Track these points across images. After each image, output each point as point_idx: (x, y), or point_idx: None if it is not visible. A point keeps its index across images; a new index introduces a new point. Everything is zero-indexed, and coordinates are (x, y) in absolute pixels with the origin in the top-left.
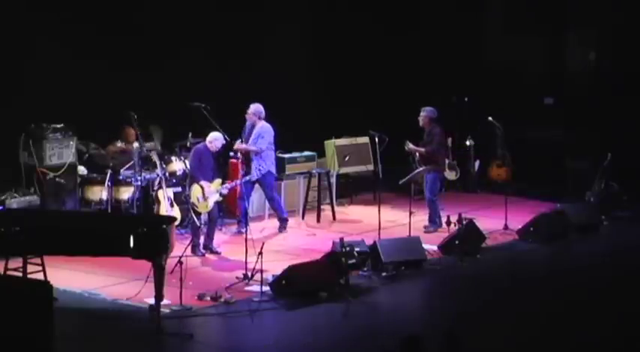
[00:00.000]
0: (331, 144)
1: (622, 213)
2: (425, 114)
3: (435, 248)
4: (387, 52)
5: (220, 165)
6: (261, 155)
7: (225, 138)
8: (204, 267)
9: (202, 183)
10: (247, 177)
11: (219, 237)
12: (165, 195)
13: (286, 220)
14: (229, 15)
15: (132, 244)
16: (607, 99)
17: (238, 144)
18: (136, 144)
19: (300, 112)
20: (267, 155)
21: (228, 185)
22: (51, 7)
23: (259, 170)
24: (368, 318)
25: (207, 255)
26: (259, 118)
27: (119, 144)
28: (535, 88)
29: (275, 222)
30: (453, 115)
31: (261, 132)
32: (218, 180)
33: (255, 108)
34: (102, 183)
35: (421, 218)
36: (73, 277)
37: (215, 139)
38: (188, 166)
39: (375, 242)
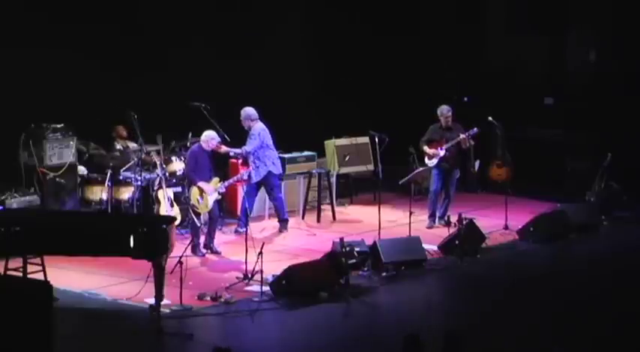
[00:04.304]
0: (331, 144)
1: (622, 213)
2: (451, 112)
3: (435, 248)
4: (388, 51)
5: (217, 163)
6: (258, 156)
7: (224, 138)
8: (204, 267)
9: (200, 183)
10: (245, 173)
11: (220, 237)
12: (165, 195)
13: (286, 221)
14: (229, 14)
15: (132, 244)
16: (607, 100)
17: (218, 146)
18: (133, 145)
19: (300, 112)
20: (265, 155)
21: (226, 183)
22: (51, 7)
23: (257, 171)
24: (368, 318)
25: (207, 255)
26: (251, 121)
27: (118, 145)
28: (535, 88)
29: (275, 222)
30: (454, 115)
31: (250, 134)
32: (216, 179)
33: (244, 113)
34: (102, 183)
35: (421, 218)
36: (73, 277)
37: (211, 139)
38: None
39: (375, 242)
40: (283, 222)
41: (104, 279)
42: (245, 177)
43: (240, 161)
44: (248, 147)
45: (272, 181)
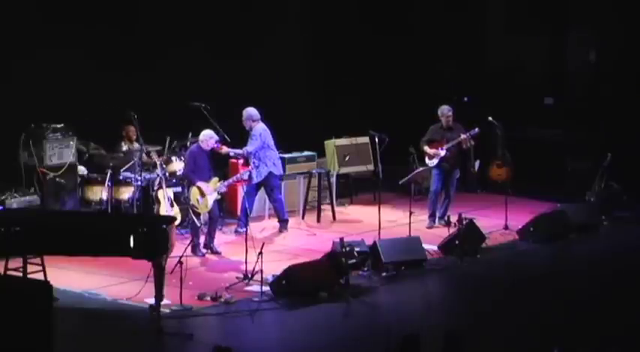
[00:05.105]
0: (331, 144)
1: (622, 213)
2: (452, 112)
3: (435, 248)
4: (388, 51)
5: (217, 163)
6: (259, 156)
7: (224, 138)
8: (204, 267)
9: (199, 184)
10: (245, 173)
11: (220, 237)
12: (165, 195)
13: (286, 221)
14: (229, 14)
15: (132, 244)
16: (607, 100)
17: (218, 146)
18: (136, 145)
19: (300, 112)
20: (266, 156)
21: (225, 182)
22: (50, 6)
23: (258, 171)
24: (368, 318)
25: (207, 255)
26: (253, 121)
27: (124, 147)
28: (535, 88)
29: (275, 222)
30: (454, 115)
31: (252, 134)
32: (215, 179)
33: (246, 113)
34: (102, 183)
35: (421, 218)
36: (73, 277)
37: (209, 138)
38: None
39: (375, 242)
40: (283, 223)
41: (104, 279)
42: (245, 177)
43: (241, 161)
44: (249, 147)
45: (272, 182)
